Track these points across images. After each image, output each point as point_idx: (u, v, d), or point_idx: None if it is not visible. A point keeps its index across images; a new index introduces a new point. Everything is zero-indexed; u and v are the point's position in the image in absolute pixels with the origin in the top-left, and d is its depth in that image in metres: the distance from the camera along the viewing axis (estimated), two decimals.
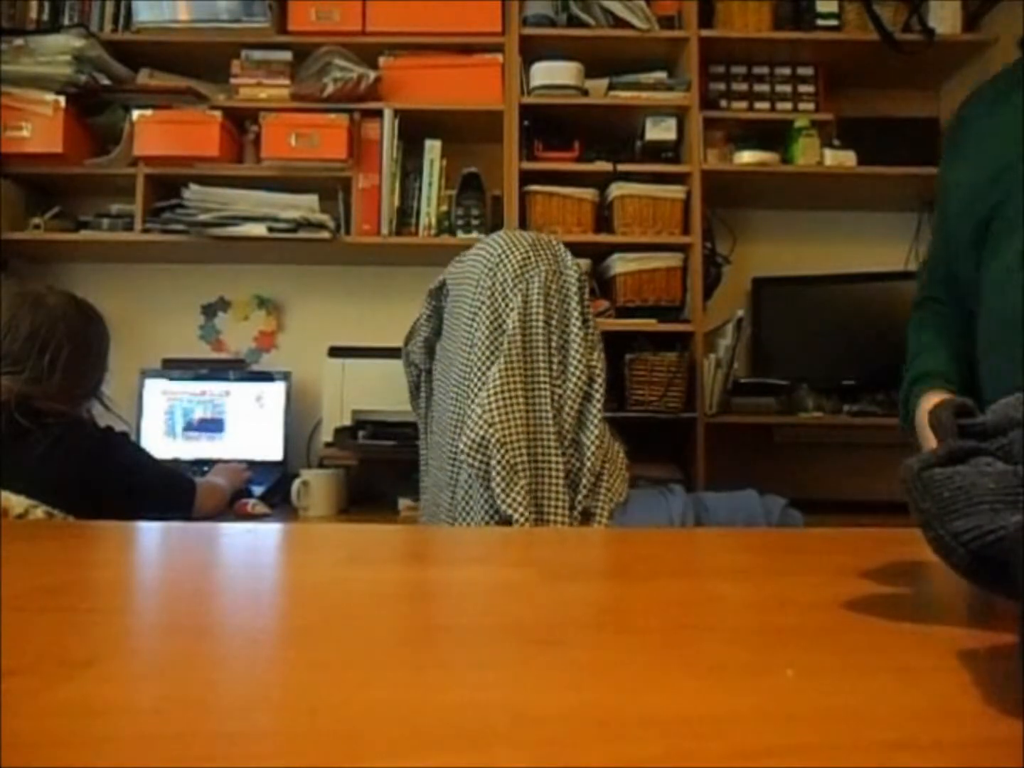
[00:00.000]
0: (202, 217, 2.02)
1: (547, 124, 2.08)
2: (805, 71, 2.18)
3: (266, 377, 2.18)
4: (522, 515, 1.12)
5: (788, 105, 2.17)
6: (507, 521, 1.13)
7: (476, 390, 1.18)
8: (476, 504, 1.17)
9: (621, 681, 0.27)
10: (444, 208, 2.10)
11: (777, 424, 2.10)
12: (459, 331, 1.26)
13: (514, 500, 1.13)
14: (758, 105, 2.17)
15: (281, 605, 0.40)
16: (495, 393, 1.15)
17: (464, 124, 2.13)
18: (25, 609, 0.36)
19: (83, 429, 1.37)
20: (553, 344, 1.20)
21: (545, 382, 1.19)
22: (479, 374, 1.18)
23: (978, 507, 0.30)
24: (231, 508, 1.72)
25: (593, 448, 1.19)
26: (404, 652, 0.31)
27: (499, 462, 1.13)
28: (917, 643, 0.31)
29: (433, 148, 2.10)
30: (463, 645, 0.32)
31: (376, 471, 2.02)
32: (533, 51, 2.08)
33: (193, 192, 2.06)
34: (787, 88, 2.17)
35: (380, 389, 1.92)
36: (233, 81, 2.12)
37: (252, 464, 1.98)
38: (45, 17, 2.14)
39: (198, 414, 2.14)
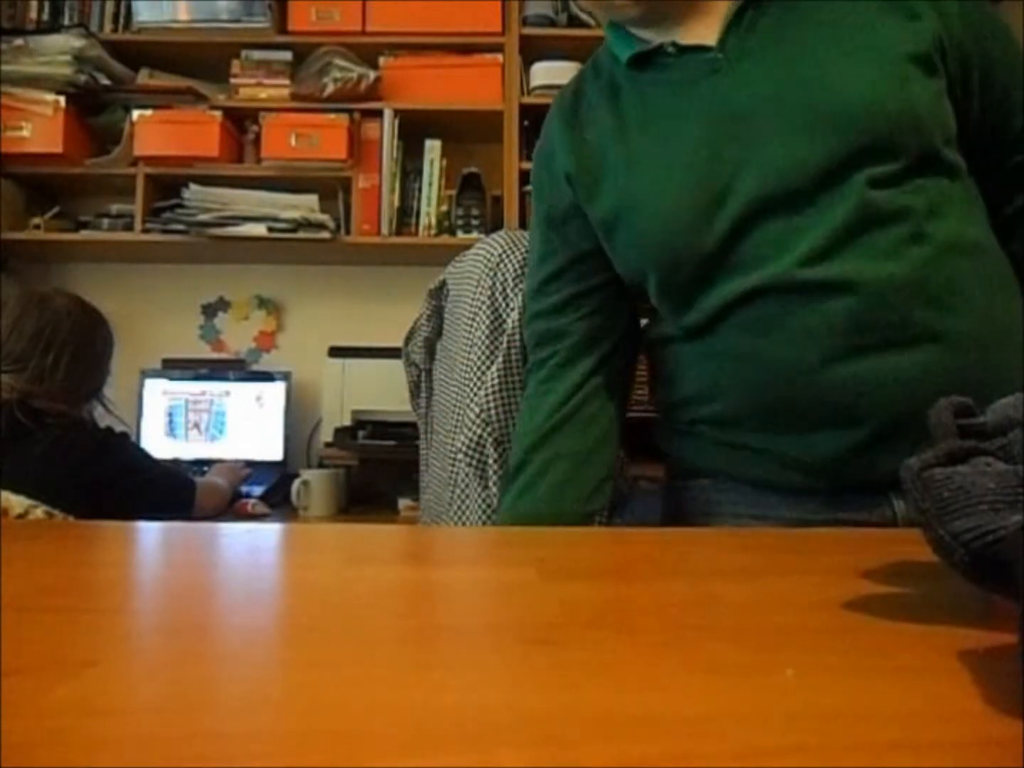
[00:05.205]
0: (202, 217, 2.02)
1: None
2: None
3: (266, 377, 2.18)
4: None
5: None
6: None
7: (475, 390, 1.18)
8: (473, 503, 1.16)
9: (621, 681, 0.27)
10: (444, 208, 2.10)
11: None
12: (459, 331, 1.26)
13: None
14: None
15: (281, 605, 0.40)
16: (493, 393, 1.15)
17: (464, 124, 2.13)
18: (25, 609, 0.36)
19: (83, 429, 1.37)
20: None
21: None
22: (478, 374, 1.18)
23: (978, 507, 0.30)
24: (231, 508, 1.72)
25: None
26: (404, 652, 0.31)
27: (496, 461, 1.13)
28: (917, 643, 0.31)
29: (433, 148, 2.10)
30: (463, 645, 0.32)
31: (376, 471, 2.02)
32: (533, 51, 2.08)
33: (193, 192, 2.06)
34: None
35: (380, 389, 1.91)
36: (233, 81, 2.12)
37: (252, 464, 1.99)
38: (45, 17, 2.15)
39: (198, 414, 2.14)
